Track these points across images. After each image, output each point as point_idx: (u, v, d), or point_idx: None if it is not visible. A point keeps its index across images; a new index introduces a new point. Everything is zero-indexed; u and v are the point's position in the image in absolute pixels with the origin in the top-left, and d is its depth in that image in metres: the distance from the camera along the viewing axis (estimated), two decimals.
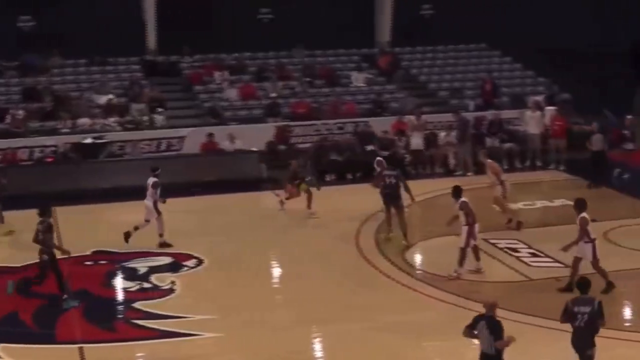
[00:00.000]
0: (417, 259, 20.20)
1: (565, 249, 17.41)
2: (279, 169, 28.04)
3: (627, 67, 39.08)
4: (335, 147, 28.01)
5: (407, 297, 17.67)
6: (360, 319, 16.50)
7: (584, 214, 17.24)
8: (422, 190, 25.77)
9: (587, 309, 12.70)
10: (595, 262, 17.23)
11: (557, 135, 28.88)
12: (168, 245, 20.62)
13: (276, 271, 19.90)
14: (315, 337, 15.91)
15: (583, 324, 12.68)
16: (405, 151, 28.16)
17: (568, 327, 15.57)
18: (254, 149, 27.26)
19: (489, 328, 12.28)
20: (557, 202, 24.52)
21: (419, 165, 28.25)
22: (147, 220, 20.68)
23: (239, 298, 17.52)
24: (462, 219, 18.32)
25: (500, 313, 16.43)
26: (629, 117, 28.14)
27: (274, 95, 30.83)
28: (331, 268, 19.21)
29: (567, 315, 12.95)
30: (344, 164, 27.67)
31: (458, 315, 16.56)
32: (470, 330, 12.52)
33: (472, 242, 18.39)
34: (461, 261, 18.30)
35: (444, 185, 26.43)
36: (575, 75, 34.49)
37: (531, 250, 20.18)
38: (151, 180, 20.79)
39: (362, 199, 23.88)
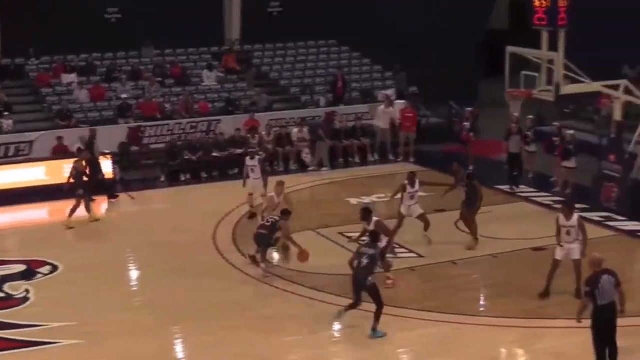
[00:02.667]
0: (275, 255, 20.34)
1: (583, 254, 16.69)
2: (132, 171, 27.87)
3: (477, 59, 40.45)
4: (189, 147, 27.89)
5: (266, 293, 17.81)
6: (220, 317, 16.57)
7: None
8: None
9: None
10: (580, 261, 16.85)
11: (407, 128, 29.57)
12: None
13: (134, 274, 19.71)
14: (177, 339, 15.88)
15: None
16: (258, 149, 28.25)
17: (428, 315, 16.15)
18: (107, 151, 26.84)
19: (615, 279, 13.15)
20: None
21: (274, 162, 28.44)
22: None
23: (98, 303, 17.29)
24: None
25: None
26: (468, 109, 29.01)
27: (124, 96, 30.42)
28: (190, 267, 19.17)
29: None
30: (198, 163, 27.58)
31: (316, 309, 16.88)
32: (592, 293, 13.13)
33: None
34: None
35: (299, 181, 26.89)
36: (425, 68, 35.38)
37: None
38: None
39: (218, 197, 23.95)
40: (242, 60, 34.60)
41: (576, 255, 16.86)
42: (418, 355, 15.00)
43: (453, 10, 37.03)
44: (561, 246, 17.01)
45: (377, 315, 15.64)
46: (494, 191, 24.98)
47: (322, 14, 35.17)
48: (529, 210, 23.46)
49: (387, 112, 29.70)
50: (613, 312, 13.24)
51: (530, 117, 27.20)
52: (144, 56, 33.86)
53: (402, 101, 31.14)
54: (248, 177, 22.51)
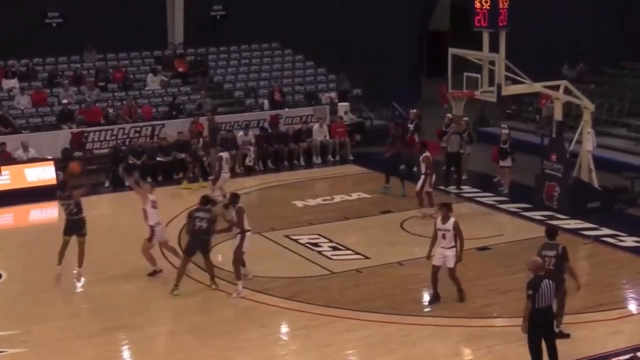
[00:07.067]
0: (219, 257, 20.25)
1: (459, 258, 16.53)
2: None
3: (419, 60, 40.85)
4: (133, 151, 27.70)
5: (210, 297, 17.75)
6: (164, 322, 16.55)
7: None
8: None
9: None
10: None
11: (339, 136, 30.32)
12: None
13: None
14: (122, 344, 15.79)
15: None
16: (203, 152, 28.14)
17: (373, 316, 16.23)
18: (49, 156, 26.57)
19: (556, 283, 13.54)
20: (355, 196, 25.20)
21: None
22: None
23: (42, 310, 17.11)
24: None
25: (302, 307, 16.97)
26: (413, 110, 29.20)
27: (66, 101, 30.14)
28: (135, 273, 19.04)
29: None
30: (142, 168, 27.40)
31: (258, 312, 16.88)
32: (533, 296, 13.27)
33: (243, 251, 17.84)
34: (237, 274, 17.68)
35: (245, 184, 26.85)
36: (368, 70, 35.59)
37: (332, 244, 20.68)
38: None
39: (164, 202, 23.78)
40: (192, 64, 34.46)
41: (450, 264, 16.50)
42: (364, 356, 15.06)
43: (395, 12, 37.34)
44: (432, 256, 16.64)
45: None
46: (437, 191, 25.15)
47: (265, 17, 35.22)
48: (473, 210, 23.65)
49: (322, 130, 30.18)
50: (550, 315, 13.56)
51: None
52: (86, 61, 33.60)
53: (346, 103, 31.49)
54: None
